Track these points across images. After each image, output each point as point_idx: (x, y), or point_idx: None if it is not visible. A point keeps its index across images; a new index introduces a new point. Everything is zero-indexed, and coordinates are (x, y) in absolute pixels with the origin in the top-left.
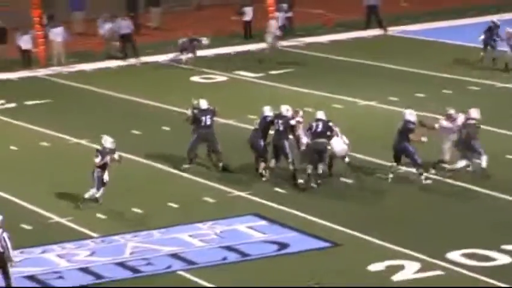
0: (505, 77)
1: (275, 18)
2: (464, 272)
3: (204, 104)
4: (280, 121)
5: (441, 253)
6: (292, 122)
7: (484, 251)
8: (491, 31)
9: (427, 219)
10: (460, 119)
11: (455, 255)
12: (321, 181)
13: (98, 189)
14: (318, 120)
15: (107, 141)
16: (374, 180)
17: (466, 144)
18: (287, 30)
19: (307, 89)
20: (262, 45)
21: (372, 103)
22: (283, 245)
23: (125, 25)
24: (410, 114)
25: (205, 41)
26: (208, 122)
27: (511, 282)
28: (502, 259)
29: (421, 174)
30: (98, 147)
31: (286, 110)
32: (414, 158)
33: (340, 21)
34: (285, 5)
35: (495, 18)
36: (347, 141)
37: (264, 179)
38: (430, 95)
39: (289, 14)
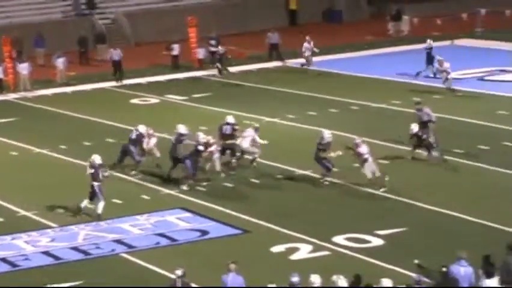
0: (379, 99)
1: (307, 41)
2: (347, 252)
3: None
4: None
5: (329, 237)
6: (200, 148)
7: (361, 235)
8: (430, 54)
9: (318, 211)
10: (364, 147)
11: (339, 239)
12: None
13: (91, 199)
14: (227, 123)
15: (97, 158)
16: (275, 180)
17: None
18: (210, 62)
19: (222, 108)
20: (187, 74)
21: (275, 119)
22: (204, 232)
23: (116, 53)
24: (325, 133)
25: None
26: (134, 137)
27: (384, 259)
28: (375, 241)
29: (324, 176)
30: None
31: (184, 129)
32: (325, 165)
33: (249, 55)
34: (213, 41)
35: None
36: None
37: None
38: (320, 113)
39: (214, 49)
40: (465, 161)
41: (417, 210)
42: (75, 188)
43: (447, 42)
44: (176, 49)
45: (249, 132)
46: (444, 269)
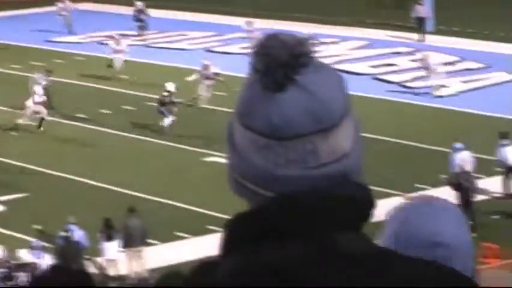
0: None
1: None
2: None
3: None
4: None
5: None
6: None
7: None
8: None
9: None
10: None
11: None
12: None
13: None
14: None
15: None
16: None
17: None
18: None
19: None
20: None
21: None
22: None
23: None
24: None
25: None
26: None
27: (3, 225)
28: None
29: None
30: None
31: None
32: None
33: None
34: None
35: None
36: None
37: None
38: None
39: None
40: (88, 126)
41: (41, 176)
42: None
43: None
44: None
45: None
46: (64, 234)
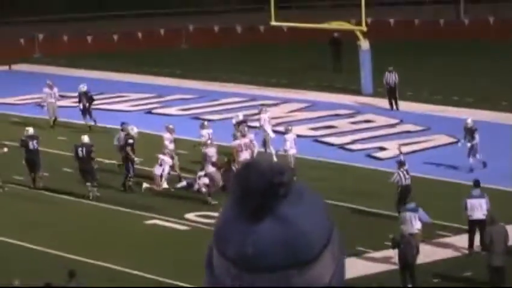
0: None
1: None
2: None
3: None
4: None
5: None
6: None
7: None
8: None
9: None
10: None
11: None
12: None
13: None
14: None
15: None
16: None
17: None
18: None
19: None
20: None
21: None
22: None
23: None
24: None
25: None
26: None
27: None
28: None
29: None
30: None
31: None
32: None
33: None
34: None
35: None
36: None
37: None
38: None
39: None
40: (25, 188)
41: None
42: None
43: (4, 68)
44: None
45: None
46: None
